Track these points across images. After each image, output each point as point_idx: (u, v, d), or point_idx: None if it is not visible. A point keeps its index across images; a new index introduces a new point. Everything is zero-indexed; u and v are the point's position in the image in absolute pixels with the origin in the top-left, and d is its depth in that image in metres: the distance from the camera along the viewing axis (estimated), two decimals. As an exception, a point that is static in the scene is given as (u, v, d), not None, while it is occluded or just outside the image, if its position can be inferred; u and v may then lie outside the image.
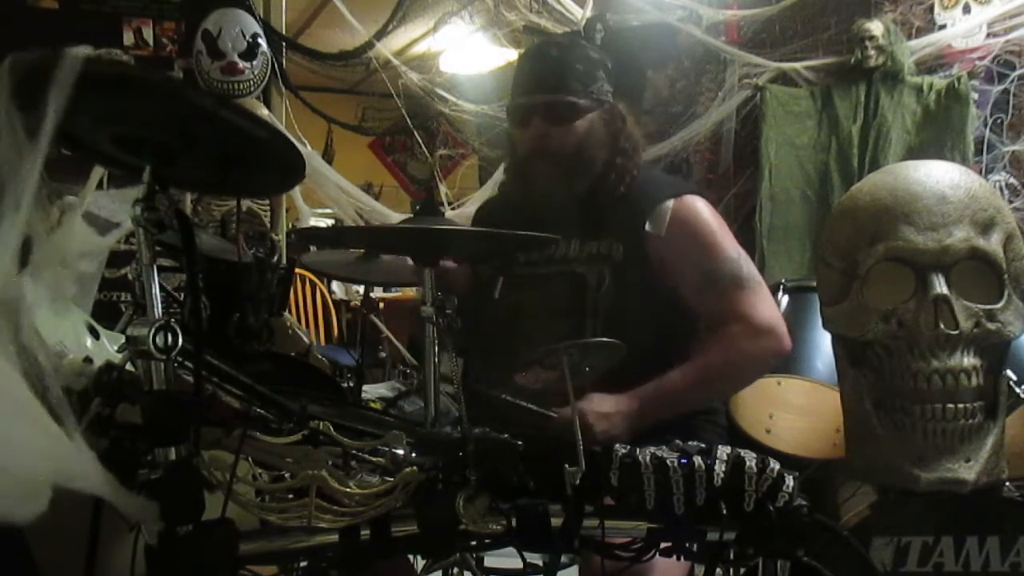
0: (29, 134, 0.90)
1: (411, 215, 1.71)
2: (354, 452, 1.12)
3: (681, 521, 1.15)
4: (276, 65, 3.85)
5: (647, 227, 1.71)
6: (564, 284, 1.75)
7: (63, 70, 0.89)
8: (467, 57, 5.04)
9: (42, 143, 0.90)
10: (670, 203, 1.72)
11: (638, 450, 1.17)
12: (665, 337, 1.70)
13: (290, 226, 4.17)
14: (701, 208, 1.74)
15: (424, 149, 4.82)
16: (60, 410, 0.91)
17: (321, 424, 1.12)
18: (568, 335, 1.68)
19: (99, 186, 1.44)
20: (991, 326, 1.54)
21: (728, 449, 1.17)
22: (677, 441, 1.21)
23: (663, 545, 1.18)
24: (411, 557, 1.80)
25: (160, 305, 1.06)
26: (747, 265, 1.71)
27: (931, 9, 3.67)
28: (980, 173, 3.30)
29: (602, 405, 1.56)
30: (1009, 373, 1.65)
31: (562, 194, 1.75)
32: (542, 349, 1.28)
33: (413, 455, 1.12)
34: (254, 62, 3.66)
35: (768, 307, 1.69)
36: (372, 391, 1.98)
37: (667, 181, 1.87)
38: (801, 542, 1.16)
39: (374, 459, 1.12)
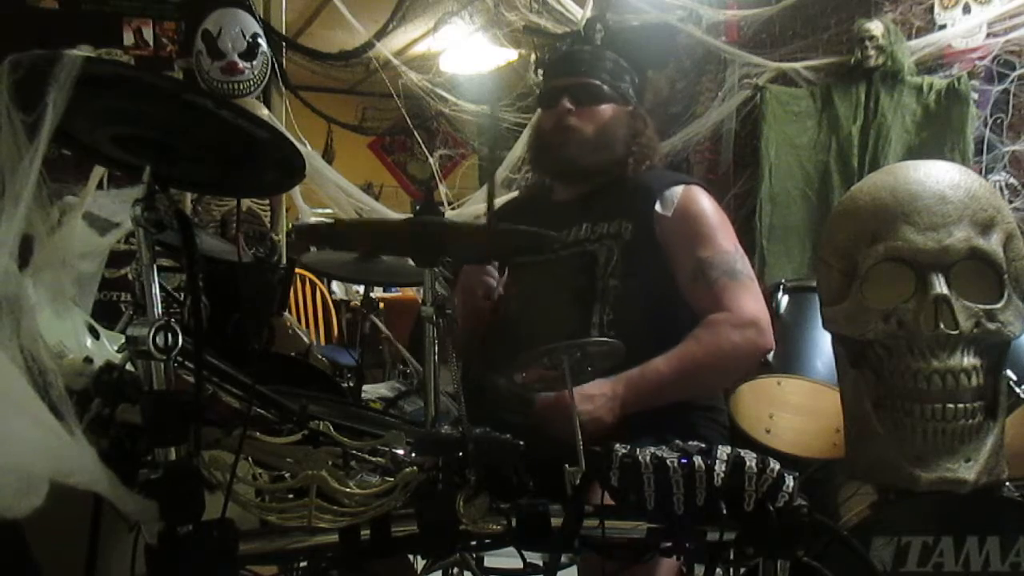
0: (28, 133, 0.90)
1: (411, 215, 1.71)
2: (354, 452, 1.12)
3: (681, 521, 1.15)
4: (276, 65, 3.85)
5: (657, 207, 1.77)
6: (574, 262, 1.80)
7: (62, 70, 0.90)
8: (467, 57, 5.03)
9: (41, 142, 0.90)
10: (680, 188, 1.80)
11: (638, 450, 1.17)
12: (669, 317, 1.73)
13: (290, 226, 4.16)
14: (707, 199, 1.81)
15: (424, 149, 4.82)
16: (61, 407, 0.91)
17: (321, 424, 1.12)
18: (576, 313, 1.71)
19: (99, 186, 1.44)
20: (991, 326, 1.54)
21: (728, 449, 1.17)
22: (677, 441, 1.21)
23: (663, 545, 1.19)
24: (411, 557, 1.80)
25: (160, 305, 1.06)
26: (742, 261, 1.75)
27: (931, 9, 3.67)
28: (980, 173, 3.30)
29: (585, 387, 1.55)
30: (1009, 373, 1.66)
31: (576, 171, 1.86)
32: (542, 349, 1.28)
33: (413, 455, 1.12)
34: (254, 62, 3.66)
35: (756, 303, 1.72)
36: (372, 391, 1.98)
37: (676, 173, 1.97)
38: (801, 542, 1.16)
39: (374, 459, 1.12)
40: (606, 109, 1.85)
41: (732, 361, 1.72)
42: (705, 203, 1.79)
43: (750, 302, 1.71)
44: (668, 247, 1.76)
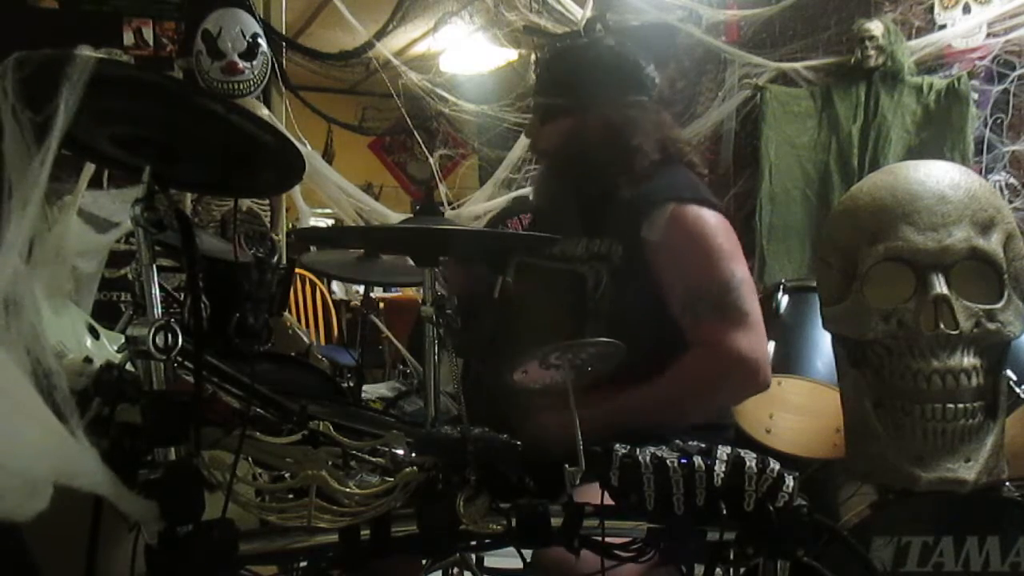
0: (37, 133, 0.89)
1: (411, 215, 1.71)
2: (354, 452, 1.12)
3: (681, 521, 1.15)
4: (276, 65, 3.85)
5: (643, 231, 1.61)
6: (563, 283, 1.70)
7: (75, 70, 0.89)
8: (467, 57, 5.04)
9: (53, 143, 0.89)
10: (670, 207, 1.61)
11: (638, 450, 1.17)
12: (663, 341, 1.60)
13: (290, 226, 4.16)
14: (704, 219, 1.61)
15: (424, 149, 4.81)
16: (64, 408, 0.91)
17: (321, 424, 1.12)
18: (565, 335, 1.65)
19: (100, 186, 1.44)
20: (991, 326, 1.54)
21: (728, 449, 1.17)
22: (677, 441, 1.21)
23: (663, 545, 1.18)
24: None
25: (160, 305, 1.06)
26: (737, 291, 1.56)
27: (931, 9, 3.67)
28: (980, 173, 3.31)
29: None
30: (1009, 373, 1.66)
31: (559, 192, 1.80)
32: (542, 348, 1.27)
33: (413, 455, 1.12)
34: (254, 62, 3.66)
35: (747, 340, 1.54)
36: (372, 391, 1.98)
37: (677, 184, 1.68)
38: (801, 542, 1.16)
39: (374, 459, 1.12)
40: (565, 122, 1.72)
41: (709, 399, 1.60)
42: (696, 225, 1.60)
43: (740, 340, 1.53)
44: (657, 274, 1.60)
